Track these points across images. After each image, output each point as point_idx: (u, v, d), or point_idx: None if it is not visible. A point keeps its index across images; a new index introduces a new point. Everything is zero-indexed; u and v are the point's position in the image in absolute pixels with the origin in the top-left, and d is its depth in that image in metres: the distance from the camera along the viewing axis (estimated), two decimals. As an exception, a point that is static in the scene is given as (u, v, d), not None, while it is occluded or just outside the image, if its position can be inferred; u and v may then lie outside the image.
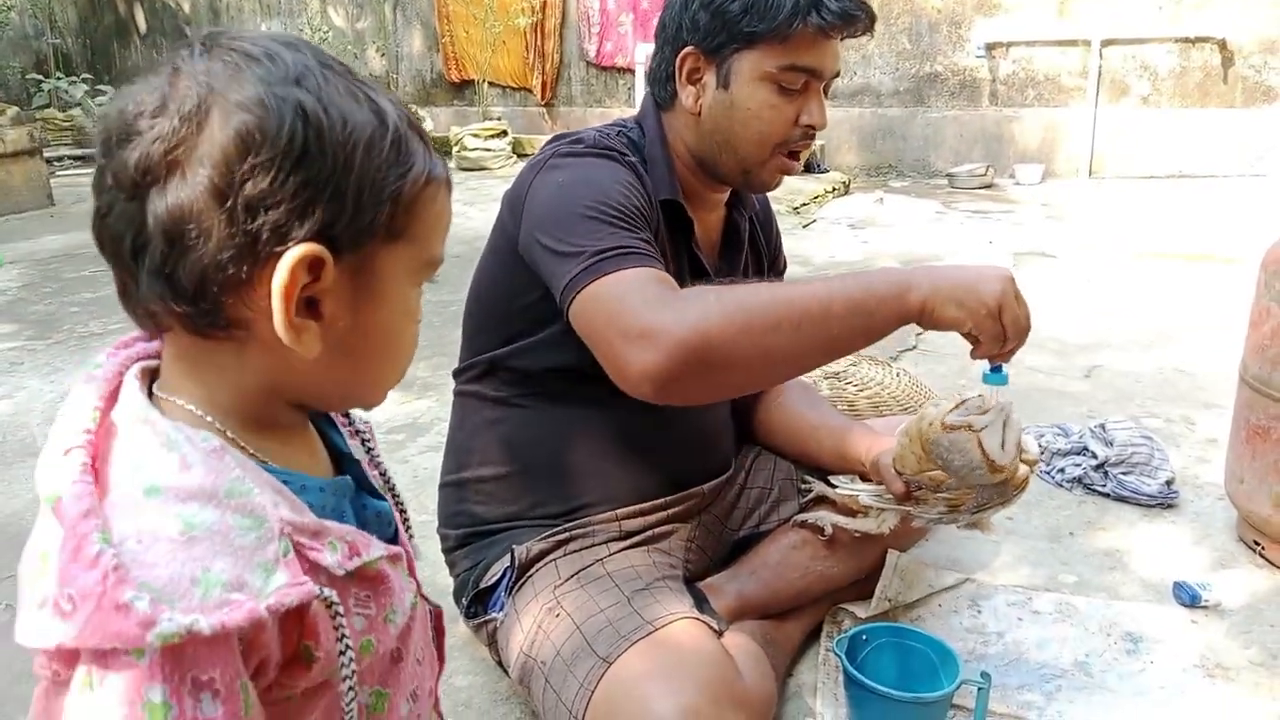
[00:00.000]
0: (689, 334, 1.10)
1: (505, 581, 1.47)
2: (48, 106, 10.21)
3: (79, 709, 0.57)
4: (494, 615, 1.47)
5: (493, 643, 1.49)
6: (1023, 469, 1.43)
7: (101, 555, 0.56)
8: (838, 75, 1.43)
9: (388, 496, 0.83)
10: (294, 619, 0.63)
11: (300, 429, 0.74)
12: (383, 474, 0.85)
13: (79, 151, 9.35)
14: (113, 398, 0.65)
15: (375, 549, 0.71)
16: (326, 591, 0.64)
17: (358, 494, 0.78)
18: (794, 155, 1.44)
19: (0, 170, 6.52)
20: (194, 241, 0.60)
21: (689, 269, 1.48)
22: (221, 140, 0.59)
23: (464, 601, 1.53)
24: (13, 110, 6.86)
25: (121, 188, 0.61)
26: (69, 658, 0.58)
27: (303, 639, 0.64)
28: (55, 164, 8.49)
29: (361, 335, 0.67)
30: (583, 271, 1.20)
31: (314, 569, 0.65)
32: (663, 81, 1.45)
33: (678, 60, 1.41)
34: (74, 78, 10.51)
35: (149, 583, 0.56)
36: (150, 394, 0.67)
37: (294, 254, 0.60)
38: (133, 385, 0.66)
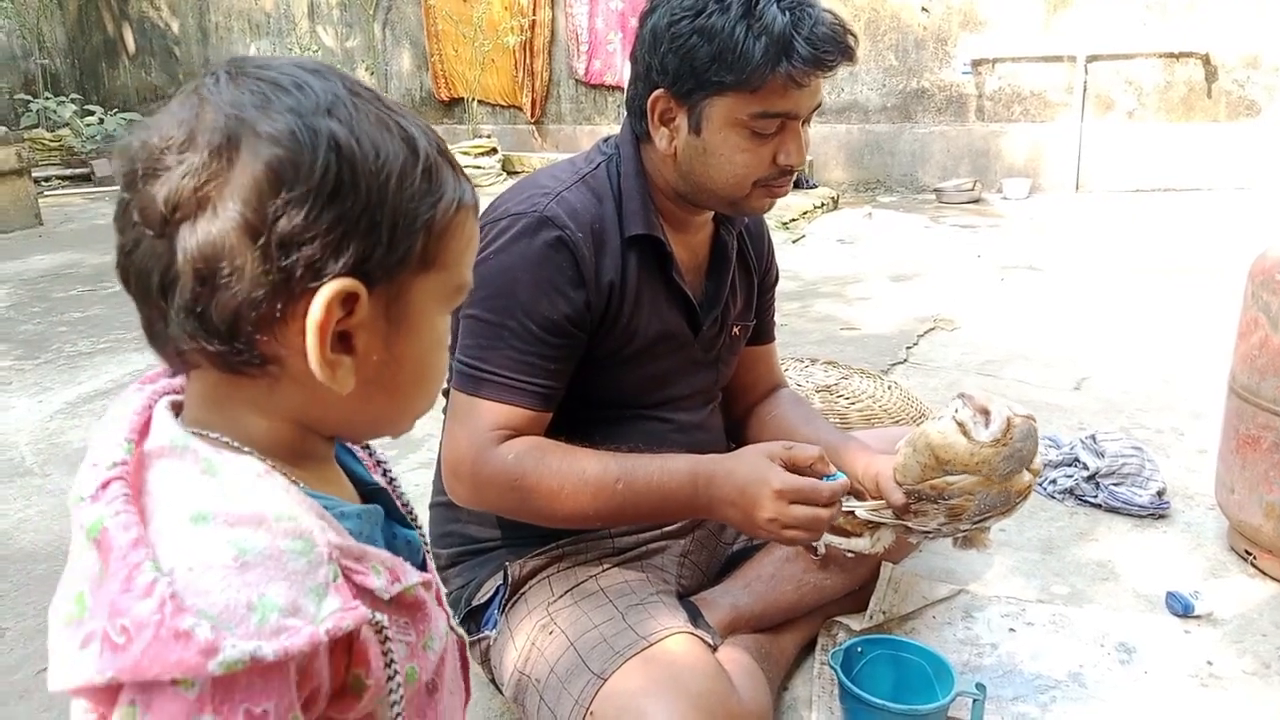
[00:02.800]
0: (483, 504, 1.39)
1: (498, 599, 1.46)
2: (36, 126, 10.20)
3: None
4: (487, 633, 1.46)
5: (486, 660, 1.49)
6: (1026, 475, 1.44)
7: (156, 583, 0.54)
8: (819, 106, 1.40)
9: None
10: (343, 646, 0.61)
11: (329, 460, 0.73)
12: (405, 505, 0.83)
13: (67, 171, 9.33)
14: (144, 431, 0.63)
15: (411, 575, 0.69)
16: (379, 616, 0.63)
17: (387, 522, 0.76)
18: (781, 186, 1.42)
19: (-12, 190, 6.51)
20: (226, 279, 0.57)
21: (667, 298, 1.47)
22: (253, 175, 0.57)
23: (457, 619, 1.52)
24: (0, 130, 6.84)
25: (149, 224, 0.58)
26: (112, 695, 0.55)
27: (352, 667, 0.62)
28: (43, 184, 8.48)
29: (395, 367, 0.65)
30: (461, 374, 1.35)
31: (360, 593, 0.63)
32: (637, 116, 1.42)
33: (650, 101, 1.37)
34: (62, 98, 10.50)
35: (205, 610, 0.54)
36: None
37: (329, 290, 0.59)
38: (165, 416, 0.64)
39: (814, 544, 1.61)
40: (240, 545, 0.57)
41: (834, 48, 1.30)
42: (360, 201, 0.59)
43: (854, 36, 1.34)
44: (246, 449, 0.63)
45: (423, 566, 0.78)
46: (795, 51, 1.27)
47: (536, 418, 1.36)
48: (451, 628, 0.79)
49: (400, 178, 0.61)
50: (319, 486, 0.68)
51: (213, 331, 0.59)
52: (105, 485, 0.58)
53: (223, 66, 0.62)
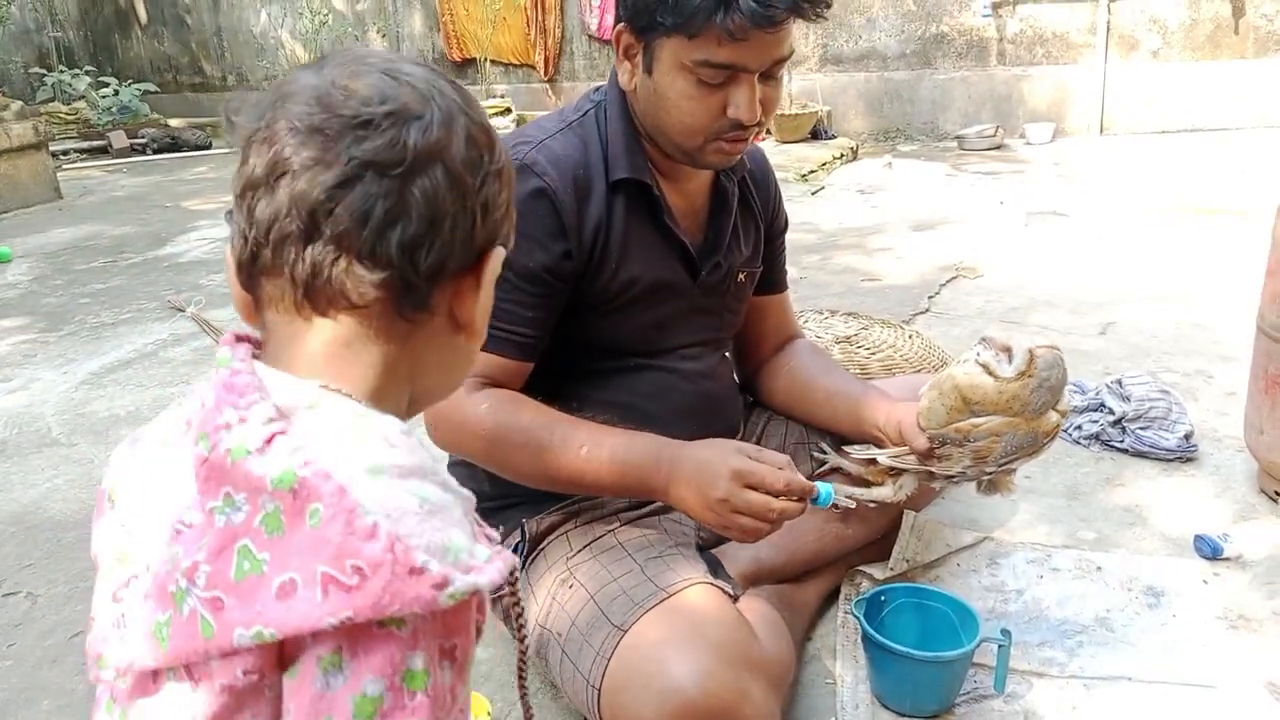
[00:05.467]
0: (457, 449, 1.39)
1: (518, 555, 1.46)
2: (52, 100, 10.22)
3: (322, 692, 0.56)
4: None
5: (507, 617, 1.49)
6: (1053, 416, 1.42)
7: (378, 526, 0.56)
8: (783, 61, 1.32)
9: None
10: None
11: None
12: None
13: (84, 144, 9.35)
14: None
15: None
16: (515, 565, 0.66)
17: None
18: (734, 141, 1.36)
19: (7, 165, 6.52)
20: (448, 227, 0.66)
21: (661, 244, 1.44)
22: (467, 144, 0.67)
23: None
24: (17, 105, 6.85)
25: (386, 165, 0.63)
26: (271, 653, 0.57)
27: (478, 614, 0.65)
28: (61, 157, 8.50)
29: (476, 338, 0.73)
30: None
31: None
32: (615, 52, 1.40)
33: (615, 34, 1.35)
34: (77, 70, 10.50)
35: (422, 550, 0.57)
36: None
37: (500, 252, 0.70)
38: (281, 375, 0.65)
39: (836, 500, 1.59)
40: (419, 494, 0.59)
41: (781, 4, 1.22)
42: (511, 191, 0.72)
43: None
44: (365, 404, 0.66)
45: None
46: (735, 3, 1.21)
47: (515, 367, 1.36)
48: None
49: None
50: None
51: (421, 271, 0.65)
52: (270, 440, 0.59)
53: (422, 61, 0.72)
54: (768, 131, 6.52)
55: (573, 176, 1.35)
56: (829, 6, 1.29)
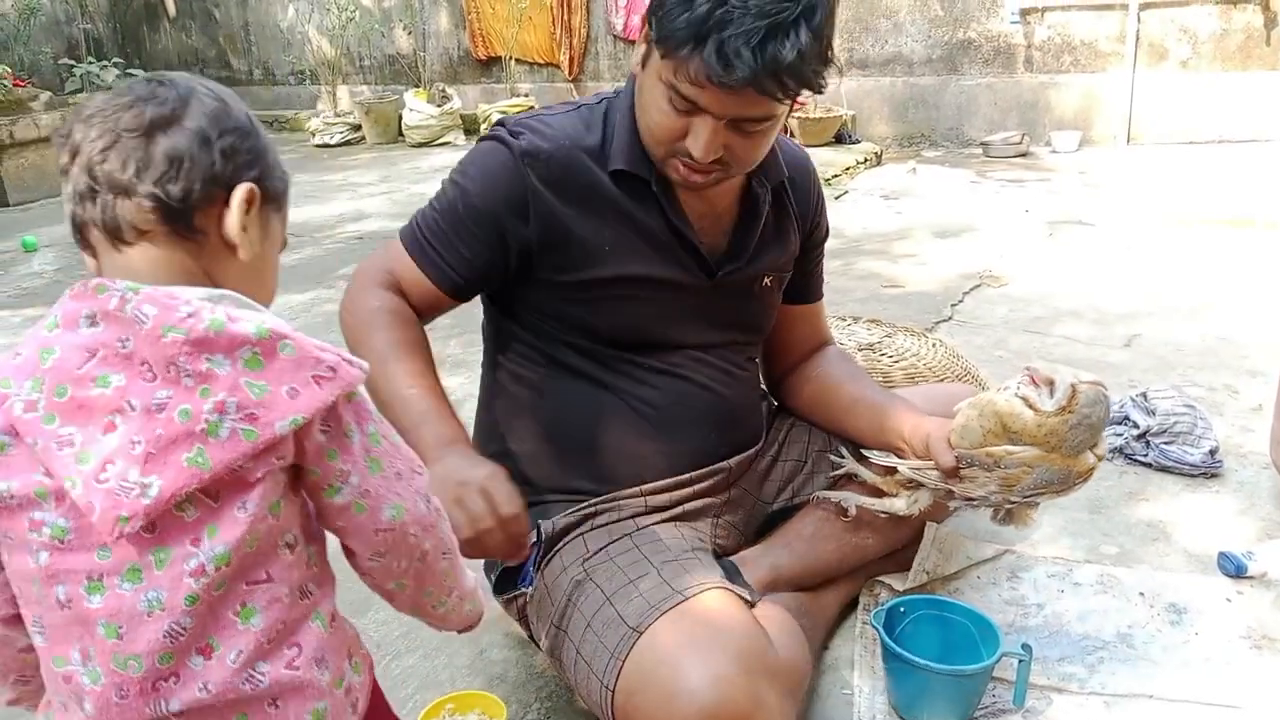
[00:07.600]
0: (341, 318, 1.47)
1: (534, 556, 1.45)
2: (80, 91, 10.28)
3: (356, 446, 0.89)
4: (523, 590, 1.46)
5: (523, 617, 1.48)
6: (1090, 457, 1.40)
7: (323, 345, 0.86)
8: (758, 120, 1.29)
9: None
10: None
11: None
12: None
13: (112, 135, 9.38)
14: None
15: None
16: None
17: None
18: (690, 169, 1.34)
19: (35, 155, 6.57)
20: (187, 167, 0.86)
21: (667, 239, 1.44)
22: (206, 112, 0.88)
23: (493, 577, 1.52)
24: (46, 95, 6.90)
25: (132, 129, 0.85)
26: (293, 442, 0.85)
27: None
28: (89, 148, 8.54)
29: (265, 256, 0.94)
30: (412, 219, 1.49)
31: None
32: None
33: (642, 17, 1.35)
34: (105, 62, 10.56)
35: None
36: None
37: (245, 185, 0.89)
38: (184, 290, 0.86)
39: (845, 505, 1.58)
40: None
41: (749, 72, 1.18)
42: (261, 145, 0.92)
43: (814, 76, 1.25)
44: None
45: None
46: (705, 50, 1.19)
47: (428, 290, 1.44)
48: None
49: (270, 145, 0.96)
50: None
51: (173, 198, 0.85)
52: (230, 316, 0.82)
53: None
54: (791, 134, 6.51)
55: (554, 154, 1.39)
56: (804, 90, 1.27)
